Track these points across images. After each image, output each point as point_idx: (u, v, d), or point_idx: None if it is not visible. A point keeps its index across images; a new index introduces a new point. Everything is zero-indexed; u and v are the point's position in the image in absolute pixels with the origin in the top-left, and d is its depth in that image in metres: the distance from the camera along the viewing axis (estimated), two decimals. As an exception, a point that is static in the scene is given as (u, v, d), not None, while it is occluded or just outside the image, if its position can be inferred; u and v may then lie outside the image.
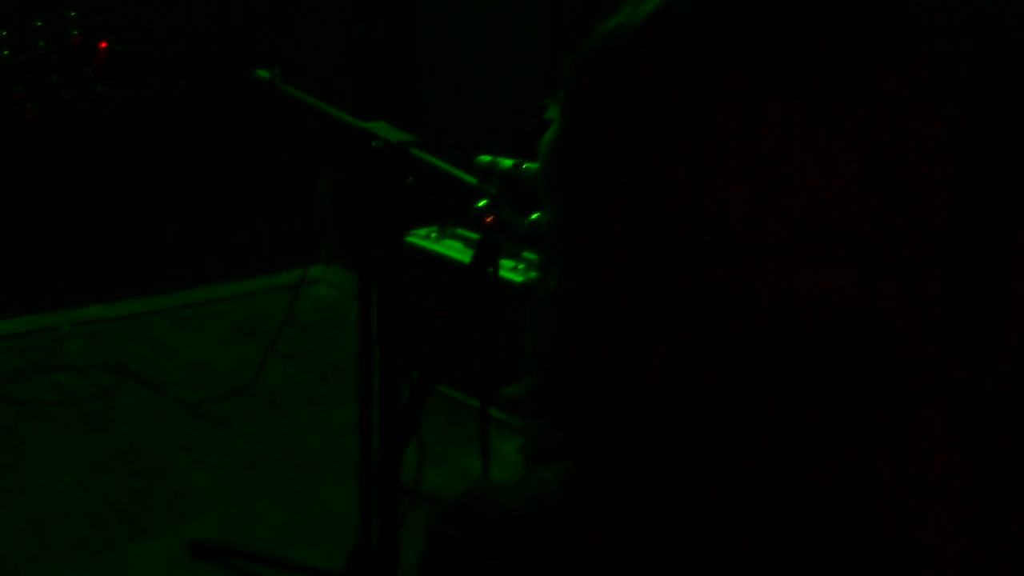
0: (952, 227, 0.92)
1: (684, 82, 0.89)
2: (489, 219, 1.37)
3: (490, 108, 4.04)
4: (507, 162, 1.81)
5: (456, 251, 4.09)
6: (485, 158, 1.88)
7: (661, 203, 0.89)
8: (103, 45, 2.42)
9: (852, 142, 0.88)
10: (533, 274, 3.96)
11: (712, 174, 0.88)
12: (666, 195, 0.89)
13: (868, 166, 0.88)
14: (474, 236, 4.18)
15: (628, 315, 0.92)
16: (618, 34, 0.93)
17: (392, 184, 2.25)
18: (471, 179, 2.01)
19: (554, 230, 0.98)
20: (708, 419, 0.91)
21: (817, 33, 0.90)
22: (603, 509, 0.92)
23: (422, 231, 4.22)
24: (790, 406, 0.90)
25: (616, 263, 0.92)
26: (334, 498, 3.66)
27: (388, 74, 3.06)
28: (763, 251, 0.88)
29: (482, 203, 1.44)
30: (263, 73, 2.49)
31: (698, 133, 0.89)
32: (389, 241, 2.32)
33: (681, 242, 0.89)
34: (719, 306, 0.89)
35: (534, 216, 1.28)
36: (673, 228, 0.89)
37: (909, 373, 0.90)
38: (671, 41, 0.90)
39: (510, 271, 3.88)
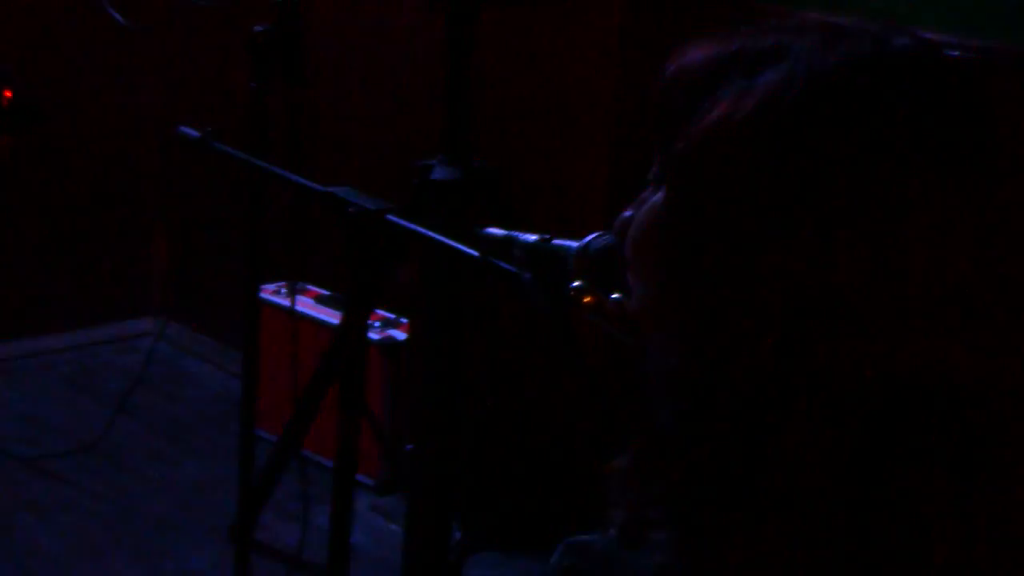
0: None
1: (803, 163, 0.98)
2: (589, 299, 1.43)
3: (373, 167, 4.19)
4: (530, 237, 1.85)
5: (310, 308, 4.21)
6: (495, 231, 1.94)
7: (784, 281, 0.98)
8: (6, 94, 2.51)
9: (964, 218, 0.98)
10: (392, 333, 4.12)
11: (833, 250, 0.97)
12: (789, 273, 0.98)
13: (979, 242, 0.99)
14: (325, 292, 4.31)
15: (750, 393, 0.99)
16: (730, 121, 1.00)
17: (367, 253, 2.33)
18: (460, 248, 2.10)
19: (665, 308, 1.05)
20: (827, 499, 0.97)
21: (931, 120, 1.00)
22: None
23: (270, 286, 4.32)
24: (908, 482, 0.97)
25: (738, 340, 0.99)
26: (188, 556, 3.75)
27: (282, 129, 3.18)
28: (882, 323, 0.97)
29: (580, 283, 1.48)
30: (191, 131, 2.57)
31: (817, 211, 0.97)
32: (354, 312, 2.40)
33: (804, 318, 0.97)
34: (839, 381, 0.97)
35: (615, 295, 1.35)
36: (796, 305, 0.97)
37: (1016, 449, 1.00)
38: (786, 125, 0.99)
39: (369, 330, 4.02)
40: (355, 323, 2.45)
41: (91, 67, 4.94)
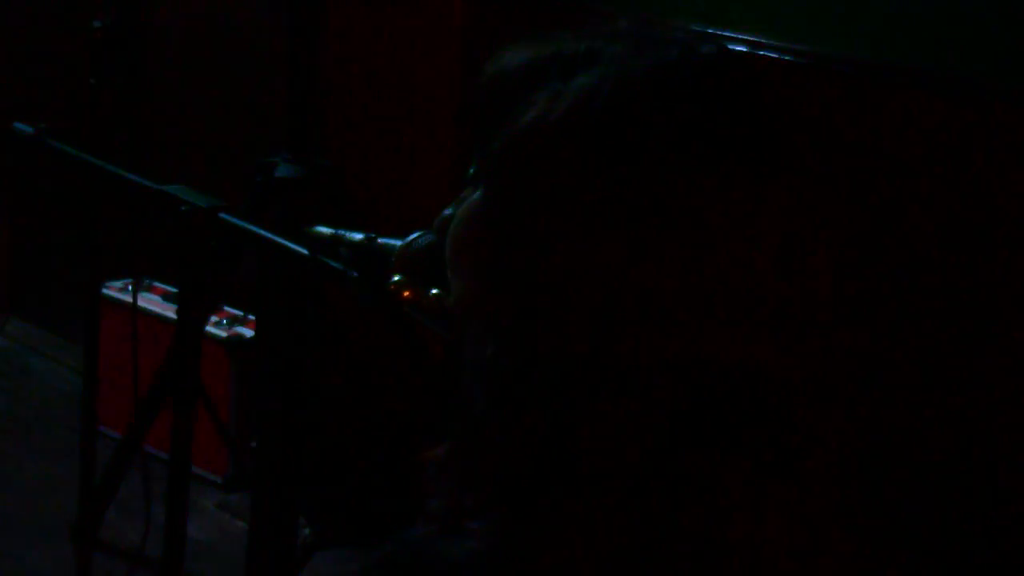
0: (839, 299, 1.13)
1: (611, 163, 1.05)
2: (408, 293, 1.48)
3: (216, 166, 4.22)
4: (356, 235, 1.90)
5: (156, 305, 4.25)
6: (323, 229, 1.97)
7: (595, 277, 1.04)
8: None
9: (762, 217, 1.06)
10: (236, 329, 4.16)
11: (641, 248, 1.04)
12: (599, 270, 1.04)
13: (777, 240, 1.07)
14: (172, 289, 4.35)
15: (561, 382, 1.05)
16: (544, 123, 1.07)
17: (198, 251, 2.37)
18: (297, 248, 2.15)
19: (481, 302, 1.12)
20: (632, 482, 1.05)
21: (732, 123, 1.07)
22: (533, 573, 1.06)
23: (116, 283, 4.35)
24: (707, 467, 1.05)
25: (551, 333, 1.05)
26: (29, 555, 3.76)
27: (120, 126, 3.22)
28: (686, 316, 1.04)
29: (399, 277, 1.52)
30: (25, 127, 2.58)
31: (628, 211, 1.04)
32: (185, 311, 2.44)
33: (613, 312, 1.04)
34: (646, 372, 1.04)
35: (434, 291, 1.40)
36: (606, 299, 1.04)
37: (806, 439, 1.08)
38: (596, 127, 1.05)
39: (214, 326, 4.07)
40: (190, 320, 2.50)
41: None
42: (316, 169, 3.23)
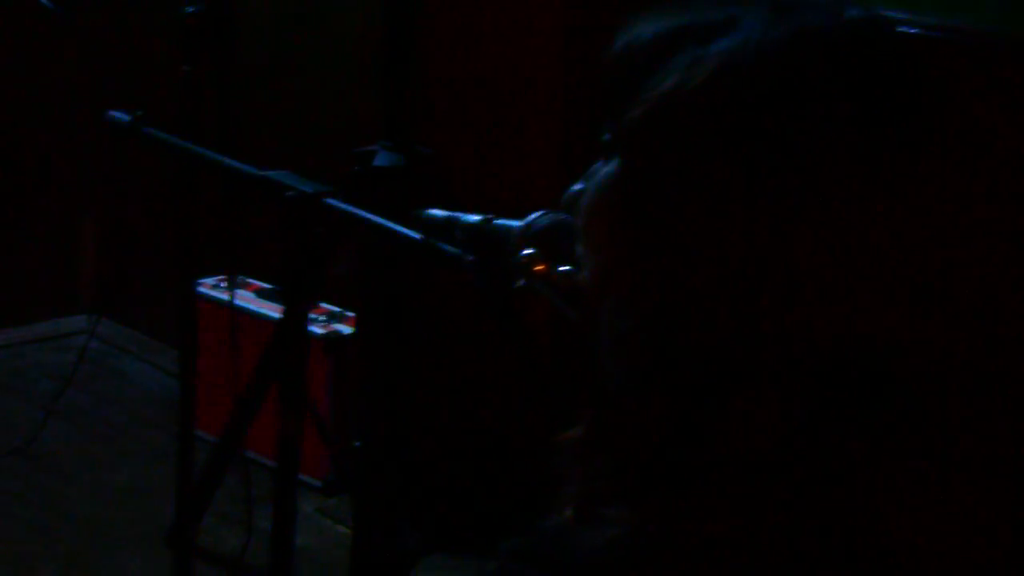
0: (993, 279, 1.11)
1: (754, 132, 1.04)
2: (540, 267, 1.48)
3: (310, 153, 4.22)
4: (472, 217, 1.90)
5: (251, 302, 4.25)
6: (436, 212, 1.97)
7: (740, 251, 1.03)
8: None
9: (916, 197, 1.05)
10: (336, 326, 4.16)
11: (788, 222, 1.03)
12: (744, 243, 1.03)
13: (928, 217, 1.05)
14: (266, 285, 4.36)
15: (703, 360, 1.05)
16: (684, 90, 1.06)
17: (305, 238, 2.37)
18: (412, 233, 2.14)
19: (618, 277, 1.10)
20: (776, 464, 1.04)
21: (882, 92, 1.05)
22: (676, 558, 1.04)
23: (208, 280, 4.36)
24: (853, 450, 1.04)
25: (692, 308, 1.05)
26: (125, 563, 3.78)
27: (214, 114, 3.23)
28: (834, 292, 1.03)
29: (530, 251, 1.55)
30: (120, 115, 2.58)
31: (774, 183, 1.03)
32: (293, 302, 2.43)
33: (760, 287, 1.03)
34: (792, 350, 1.03)
35: (565, 268, 1.40)
36: (752, 274, 1.03)
37: (955, 423, 1.07)
38: (738, 94, 1.05)
39: (313, 324, 4.06)
40: (295, 313, 2.49)
41: (13, 52, 4.96)
42: (415, 157, 3.21)
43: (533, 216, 1.75)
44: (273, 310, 4.16)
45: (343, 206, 2.35)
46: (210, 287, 4.35)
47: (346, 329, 4.14)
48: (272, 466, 4.05)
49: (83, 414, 4.57)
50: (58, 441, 4.39)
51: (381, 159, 3.20)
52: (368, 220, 2.31)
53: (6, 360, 4.97)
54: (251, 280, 4.40)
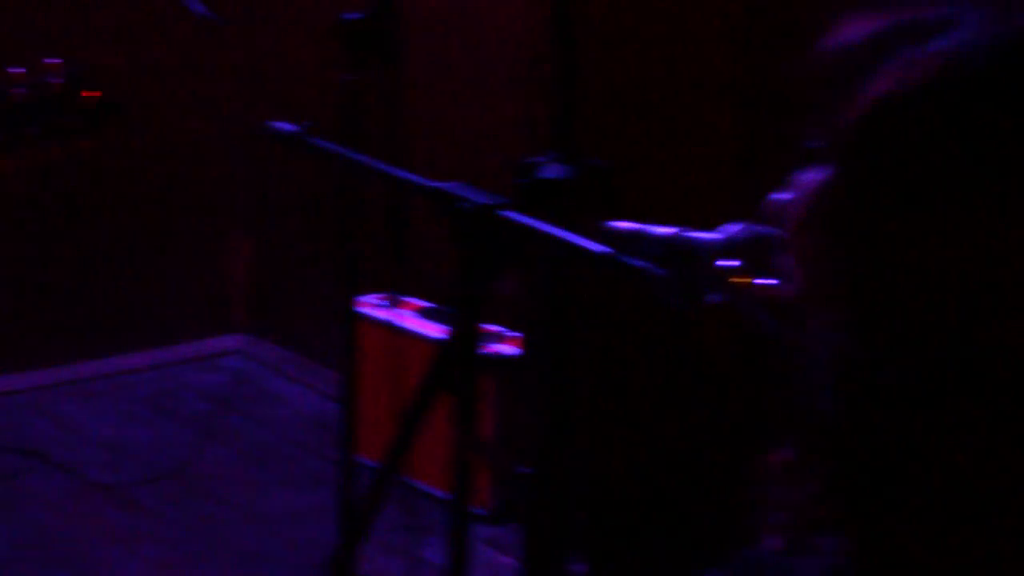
0: None
1: (981, 138, 0.99)
2: (741, 281, 1.48)
3: (472, 164, 4.17)
4: (662, 230, 1.89)
5: (411, 322, 4.18)
6: (622, 224, 1.95)
7: (968, 262, 0.99)
8: (90, 94, 2.49)
9: None
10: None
11: (1016, 234, 0.98)
12: (973, 253, 0.99)
13: None
14: (425, 304, 4.29)
15: (926, 378, 1.01)
16: (901, 93, 1.02)
17: (479, 254, 2.31)
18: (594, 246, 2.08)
19: (831, 291, 1.06)
20: (1008, 489, 1.00)
21: None
22: None
23: (367, 298, 4.30)
24: None
25: (916, 323, 1.01)
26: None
27: (380, 125, 3.18)
28: None
29: (728, 264, 1.56)
30: (287, 126, 2.55)
31: (1006, 189, 0.99)
32: (464, 319, 2.39)
33: (992, 301, 0.99)
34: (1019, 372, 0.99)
35: (765, 280, 1.38)
36: (983, 287, 0.99)
37: None
38: (961, 97, 1.00)
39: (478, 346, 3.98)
40: (466, 329, 2.42)
41: (164, 61, 4.97)
42: (585, 168, 3.15)
43: (728, 227, 1.74)
44: (434, 330, 4.09)
45: (521, 219, 2.28)
46: (368, 306, 4.29)
47: (509, 350, 4.06)
48: (431, 493, 4.06)
49: (237, 437, 4.55)
50: (212, 464, 4.37)
51: (549, 171, 3.14)
52: (549, 234, 2.24)
53: (158, 381, 4.97)
54: (410, 299, 4.33)
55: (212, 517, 4.09)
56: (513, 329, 4.08)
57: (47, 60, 2.48)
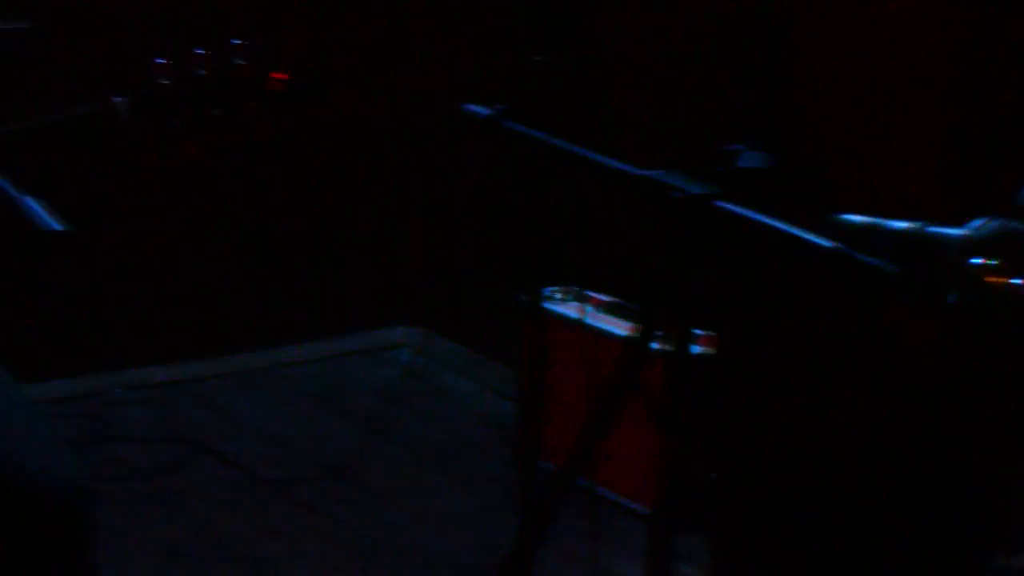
0: None
1: None
2: (993, 279, 1.43)
3: (668, 150, 4.06)
4: (900, 224, 1.81)
5: (594, 318, 4.07)
6: (853, 217, 1.87)
7: None
8: (278, 76, 2.43)
9: None
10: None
11: None
12: None
13: None
14: (611, 299, 4.19)
15: None
16: None
17: (691, 242, 2.23)
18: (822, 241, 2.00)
19: None
20: None
21: None
22: None
23: (554, 291, 4.20)
24: None
25: None
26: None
27: (568, 112, 3.10)
28: None
29: (982, 261, 1.50)
30: (479, 109, 2.48)
31: None
32: (680, 315, 2.31)
33: None
34: None
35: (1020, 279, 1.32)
36: None
37: None
38: None
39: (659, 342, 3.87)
40: (681, 331, 2.34)
41: (346, 41, 4.93)
42: (787, 157, 3.07)
43: (978, 223, 1.69)
44: (618, 327, 3.97)
45: (739, 210, 2.18)
46: (548, 299, 4.19)
47: (702, 348, 3.93)
48: (612, 498, 3.96)
49: (406, 434, 4.49)
50: (380, 462, 4.30)
51: (747, 159, 3.05)
52: (771, 226, 2.13)
53: (324, 373, 4.94)
54: (591, 293, 4.22)
55: (380, 516, 4.02)
56: (702, 326, 3.95)
57: (233, 40, 2.43)
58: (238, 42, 2.42)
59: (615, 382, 2.72)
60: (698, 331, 3.93)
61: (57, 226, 1.91)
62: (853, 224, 1.91)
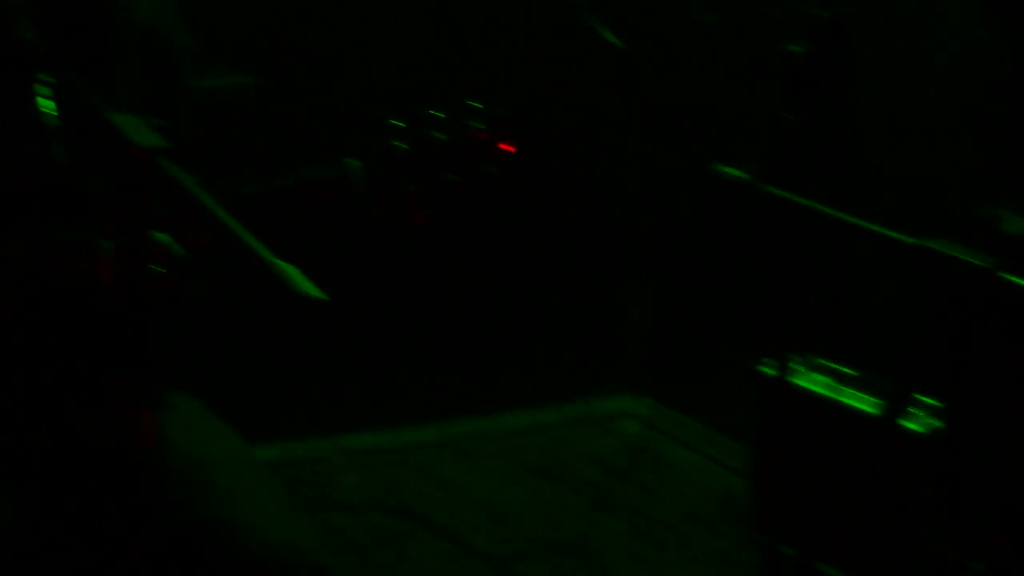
0: None
1: None
2: None
3: (915, 209, 3.93)
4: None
5: (830, 390, 3.93)
6: None
7: None
8: (511, 141, 2.38)
9: None
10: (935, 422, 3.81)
11: None
12: None
13: None
14: (847, 371, 4.04)
15: None
16: None
17: (966, 319, 2.11)
18: None
19: None
20: None
21: None
22: None
23: (797, 362, 4.06)
24: None
25: None
26: None
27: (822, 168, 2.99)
28: None
29: None
30: (736, 172, 2.39)
31: None
32: (950, 383, 2.20)
33: None
34: None
35: None
36: None
37: None
38: None
39: (911, 420, 3.72)
40: (949, 402, 2.22)
41: (577, 98, 4.87)
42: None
43: None
44: (857, 400, 3.83)
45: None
46: (780, 369, 4.05)
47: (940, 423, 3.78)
48: None
49: (633, 510, 4.41)
50: (608, 539, 4.23)
51: (1014, 224, 2.93)
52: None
53: (543, 443, 4.87)
54: (826, 363, 4.08)
55: (607, 598, 3.95)
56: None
57: (469, 103, 2.38)
58: (474, 105, 2.37)
59: (864, 462, 2.60)
60: (954, 406, 3.81)
61: (314, 294, 1.86)
62: None
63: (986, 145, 3.52)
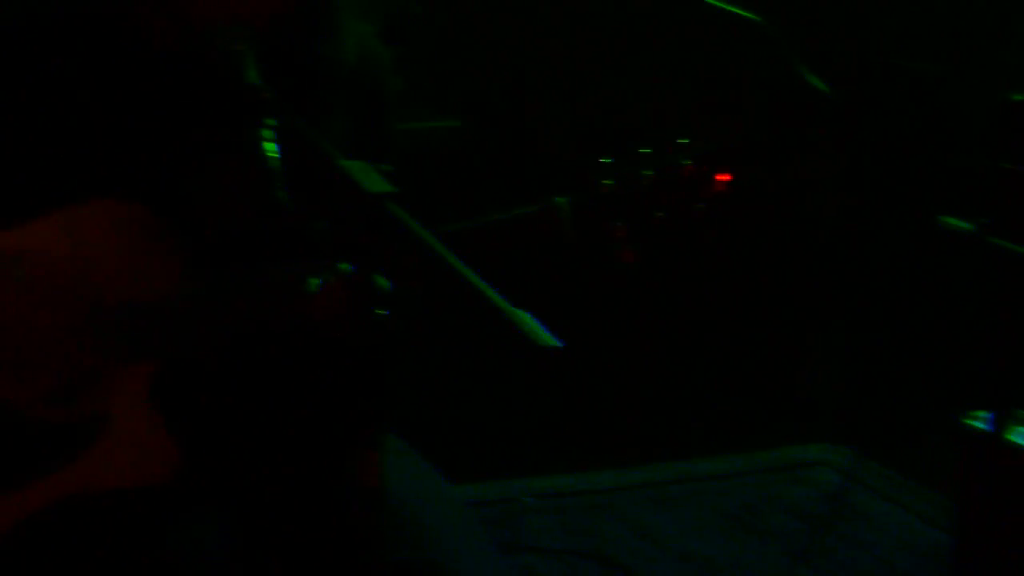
0: None
1: None
2: None
3: None
4: None
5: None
6: None
7: None
8: (722, 178, 2.36)
9: None
10: None
11: None
12: None
13: None
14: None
15: None
16: None
17: None
18: None
19: None
20: None
21: None
22: None
23: (1006, 416, 4.03)
24: None
25: None
26: None
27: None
28: None
29: None
30: (960, 224, 2.39)
31: None
32: None
33: None
34: None
35: None
36: None
37: None
38: None
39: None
40: None
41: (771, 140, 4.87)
42: None
43: None
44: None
45: None
46: (984, 421, 4.01)
47: None
48: None
49: (829, 561, 4.37)
50: (804, 591, 4.20)
51: None
52: None
53: (739, 490, 4.87)
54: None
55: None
56: None
57: (678, 139, 2.38)
58: (683, 141, 2.37)
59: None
60: None
61: (553, 342, 1.86)
62: None
63: None
